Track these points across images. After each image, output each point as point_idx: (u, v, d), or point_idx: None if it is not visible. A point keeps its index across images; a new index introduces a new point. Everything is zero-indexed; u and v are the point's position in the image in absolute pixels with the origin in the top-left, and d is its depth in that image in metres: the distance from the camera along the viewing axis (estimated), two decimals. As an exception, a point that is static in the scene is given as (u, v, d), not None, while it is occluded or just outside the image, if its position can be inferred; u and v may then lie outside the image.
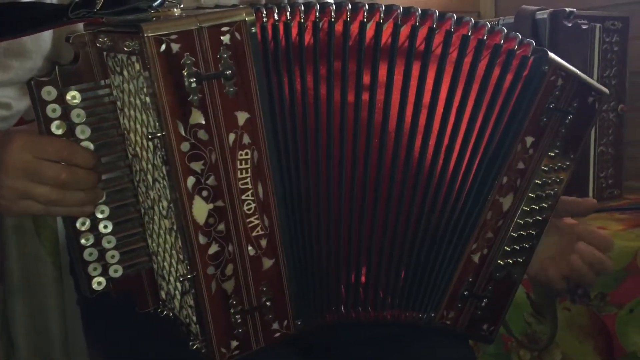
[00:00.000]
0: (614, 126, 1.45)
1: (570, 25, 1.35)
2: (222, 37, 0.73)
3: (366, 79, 0.82)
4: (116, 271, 0.85)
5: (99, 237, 0.84)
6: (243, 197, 0.78)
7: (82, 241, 0.83)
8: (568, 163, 0.90)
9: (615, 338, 1.19)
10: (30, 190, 0.78)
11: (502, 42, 0.83)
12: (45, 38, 0.90)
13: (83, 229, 0.83)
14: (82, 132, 0.81)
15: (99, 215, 0.83)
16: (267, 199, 0.79)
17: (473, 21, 0.82)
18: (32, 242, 1.16)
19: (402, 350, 0.95)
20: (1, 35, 0.79)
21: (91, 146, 0.81)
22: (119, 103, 0.82)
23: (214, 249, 0.77)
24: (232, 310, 0.79)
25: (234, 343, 0.80)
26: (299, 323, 0.84)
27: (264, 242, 0.80)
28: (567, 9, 1.39)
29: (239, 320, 0.80)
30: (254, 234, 0.79)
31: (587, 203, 0.97)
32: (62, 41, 0.88)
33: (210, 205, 0.76)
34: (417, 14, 0.80)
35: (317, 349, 0.96)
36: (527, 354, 1.30)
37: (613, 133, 1.45)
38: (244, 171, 0.77)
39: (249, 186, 0.78)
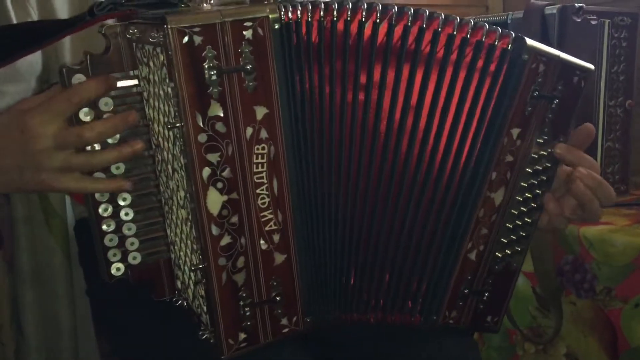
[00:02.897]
0: (621, 122, 1.43)
1: (579, 20, 1.33)
2: (244, 32, 0.75)
3: (375, 78, 0.81)
4: (135, 258, 0.87)
5: (120, 223, 0.86)
6: (258, 190, 0.79)
7: (104, 227, 0.85)
8: None
9: (620, 332, 1.17)
10: (70, 161, 0.78)
11: (483, 38, 0.81)
12: (37, 61, 0.96)
13: (105, 214, 0.85)
14: (109, 120, 0.83)
15: (121, 203, 0.85)
16: (281, 194, 0.80)
17: (458, 19, 0.81)
18: (42, 232, 1.18)
19: (408, 347, 0.95)
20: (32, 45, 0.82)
21: (117, 135, 0.83)
22: (145, 94, 0.84)
23: (226, 240, 0.78)
24: (241, 303, 0.80)
25: (242, 335, 0.81)
26: (309, 320, 0.84)
27: (276, 237, 0.81)
28: (576, 4, 1.37)
29: (248, 313, 0.81)
30: (267, 228, 0.80)
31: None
32: (52, 62, 0.95)
33: (225, 197, 0.77)
34: (410, 13, 0.80)
35: (327, 344, 0.97)
36: (532, 347, 1.30)
37: (620, 129, 1.43)
38: (259, 165, 0.78)
39: (264, 180, 0.79)
